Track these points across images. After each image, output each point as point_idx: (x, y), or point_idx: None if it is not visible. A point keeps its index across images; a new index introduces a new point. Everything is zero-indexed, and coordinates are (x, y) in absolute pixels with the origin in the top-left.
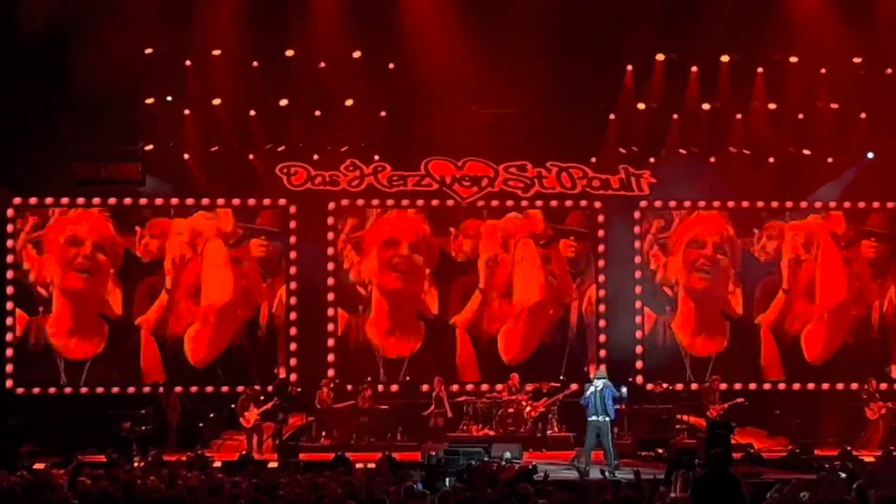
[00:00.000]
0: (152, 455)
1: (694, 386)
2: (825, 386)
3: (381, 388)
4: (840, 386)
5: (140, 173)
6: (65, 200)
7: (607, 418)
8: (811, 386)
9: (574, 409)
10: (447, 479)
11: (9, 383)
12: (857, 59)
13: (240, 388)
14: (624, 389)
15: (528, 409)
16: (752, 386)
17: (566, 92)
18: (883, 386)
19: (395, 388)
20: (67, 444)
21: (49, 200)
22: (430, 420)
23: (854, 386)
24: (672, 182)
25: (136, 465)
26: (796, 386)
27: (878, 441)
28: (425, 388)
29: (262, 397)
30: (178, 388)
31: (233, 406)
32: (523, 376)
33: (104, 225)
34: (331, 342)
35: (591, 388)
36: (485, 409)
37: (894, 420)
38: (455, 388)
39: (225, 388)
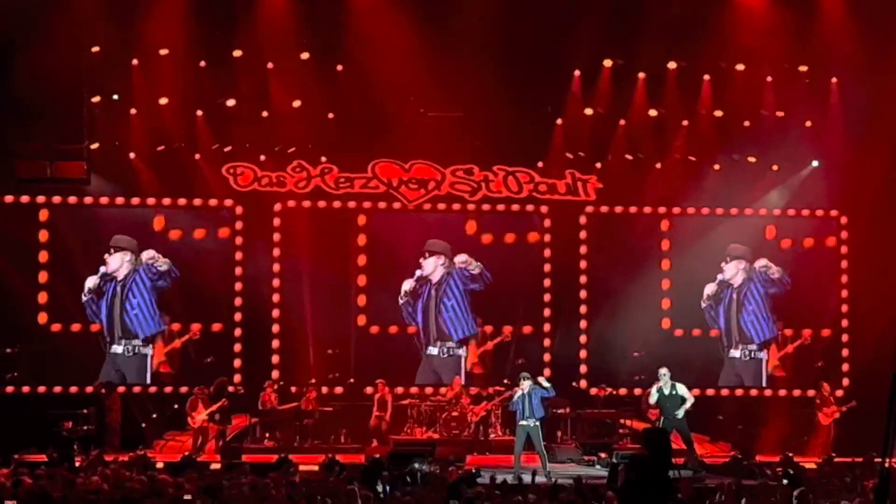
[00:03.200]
0: (93, 455)
1: (637, 391)
2: (768, 392)
3: (325, 390)
4: (783, 392)
5: (85, 172)
6: (9, 199)
7: (536, 421)
8: (754, 392)
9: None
10: (388, 482)
11: None
12: (802, 68)
13: (183, 389)
14: (544, 382)
15: (470, 412)
16: (696, 392)
17: (513, 96)
18: (838, 392)
19: (339, 390)
20: (7, 444)
21: (9, 198)
22: (371, 423)
23: (797, 392)
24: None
25: (77, 465)
26: (739, 392)
27: (822, 446)
28: (369, 390)
29: (210, 398)
30: (121, 388)
31: (176, 406)
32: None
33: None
34: (275, 343)
35: (519, 393)
36: (429, 412)
37: (842, 426)
38: (399, 390)
39: (168, 389)
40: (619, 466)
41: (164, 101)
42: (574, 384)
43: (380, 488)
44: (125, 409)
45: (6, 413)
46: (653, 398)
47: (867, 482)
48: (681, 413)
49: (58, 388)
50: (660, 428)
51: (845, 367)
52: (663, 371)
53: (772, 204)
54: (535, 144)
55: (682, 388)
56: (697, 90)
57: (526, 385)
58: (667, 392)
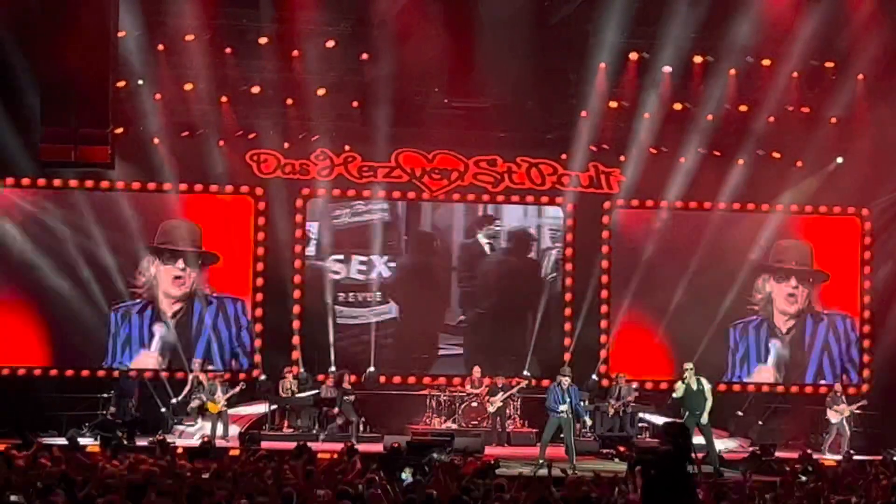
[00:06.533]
0: (115, 439)
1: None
2: (779, 388)
3: (352, 378)
4: (794, 389)
5: (110, 157)
6: (41, 182)
7: (570, 413)
8: (765, 388)
9: (537, 405)
10: (406, 471)
11: None
12: (829, 64)
13: (193, 373)
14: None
15: (489, 404)
16: (722, 388)
17: (538, 87)
18: (852, 391)
19: (355, 378)
20: (27, 427)
21: (25, 181)
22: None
23: (808, 389)
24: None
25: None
26: (751, 388)
27: (838, 444)
28: (397, 379)
29: (228, 383)
30: (132, 374)
31: (197, 392)
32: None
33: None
34: (296, 340)
35: (556, 386)
36: (448, 402)
37: (855, 424)
38: (427, 380)
39: (180, 374)
40: (636, 467)
41: (189, 86)
42: (594, 377)
43: (405, 476)
44: (143, 394)
45: (26, 395)
46: (678, 393)
47: (884, 480)
48: (704, 419)
49: (69, 372)
50: (680, 422)
51: (866, 372)
52: (688, 365)
53: (795, 201)
54: (559, 136)
55: (706, 384)
56: (723, 85)
57: (566, 382)
58: (694, 387)
